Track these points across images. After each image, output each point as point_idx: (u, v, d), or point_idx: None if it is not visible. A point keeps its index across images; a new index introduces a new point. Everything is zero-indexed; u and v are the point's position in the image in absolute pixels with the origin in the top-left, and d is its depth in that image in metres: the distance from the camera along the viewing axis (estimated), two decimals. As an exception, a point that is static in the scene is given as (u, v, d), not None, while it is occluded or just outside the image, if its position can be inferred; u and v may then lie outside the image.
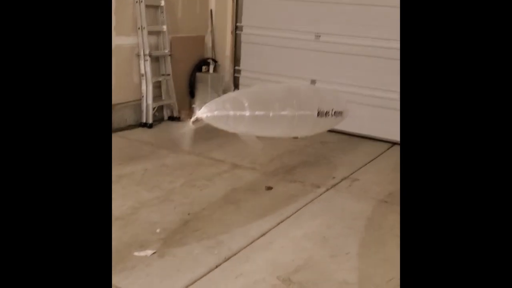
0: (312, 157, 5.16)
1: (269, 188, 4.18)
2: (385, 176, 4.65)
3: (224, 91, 6.77)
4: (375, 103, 5.81)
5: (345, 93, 5.94)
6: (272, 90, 3.82)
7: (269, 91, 3.75)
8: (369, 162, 5.06)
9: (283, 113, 3.50)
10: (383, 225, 3.61)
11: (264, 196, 4.03)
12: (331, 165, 4.90)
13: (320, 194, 4.12)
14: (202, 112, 3.06)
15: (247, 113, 3.21)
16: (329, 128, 4.54)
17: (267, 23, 6.37)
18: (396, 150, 5.55)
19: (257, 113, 3.30)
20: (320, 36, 6.07)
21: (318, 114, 3.86)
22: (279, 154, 5.13)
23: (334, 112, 4.09)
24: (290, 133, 4.06)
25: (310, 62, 6.15)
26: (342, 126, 5.99)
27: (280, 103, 3.51)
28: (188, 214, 3.59)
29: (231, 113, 3.15)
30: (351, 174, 4.66)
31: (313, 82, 6.18)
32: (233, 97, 3.38)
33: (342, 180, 4.49)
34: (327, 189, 4.23)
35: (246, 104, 3.20)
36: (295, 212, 3.74)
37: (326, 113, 3.96)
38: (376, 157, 5.24)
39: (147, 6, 5.54)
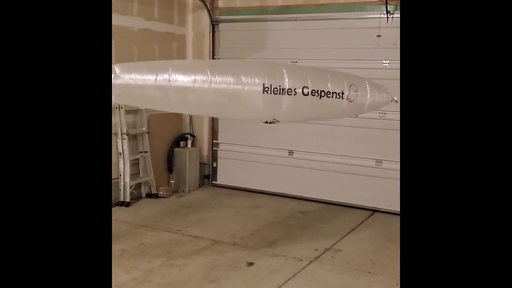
0: (294, 228, 5.10)
1: (251, 264, 4.08)
2: (367, 246, 4.59)
3: (202, 165, 6.80)
4: (354, 171, 5.88)
5: (322, 162, 6.04)
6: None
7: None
8: (350, 232, 5.02)
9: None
10: (368, 297, 3.52)
11: (246, 272, 3.92)
12: (313, 236, 4.84)
13: (303, 268, 4.03)
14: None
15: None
16: (337, 114, 3.87)
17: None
18: (377, 217, 5.54)
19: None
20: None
21: (266, 89, 3.30)
22: (259, 228, 5.06)
23: (313, 92, 3.45)
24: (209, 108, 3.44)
25: (286, 132, 6.25)
26: (321, 194, 6.09)
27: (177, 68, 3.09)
28: (167, 296, 3.45)
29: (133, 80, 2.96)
30: (334, 244, 4.60)
31: (290, 153, 6.27)
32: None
33: (324, 251, 4.42)
34: (310, 262, 4.15)
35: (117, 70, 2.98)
36: (278, 288, 3.63)
37: (290, 91, 3.38)
38: (357, 226, 5.22)
39: (124, 86, 5.65)
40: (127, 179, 5.63)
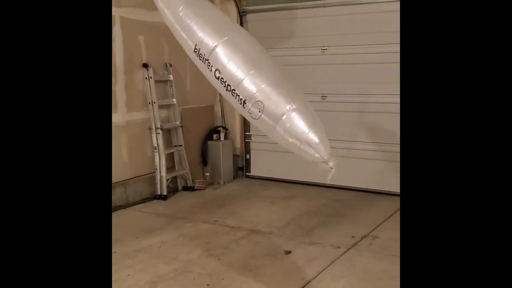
0: (329, 216, 5.08)
1: (288, 252, 4.09)
2: (405, 231, 4.53)
3: (236, 157, 6.85)
4: (388, 157, 5.79)
5: (355, 149, 5.98)
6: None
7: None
8: (387, 218, 4.97)
9: None
10: (409, 283, 3.48)
11: (284, 260, 3.94)
12: (349, 224, 4.81)
13: (341, 255, 4.02)
14: None
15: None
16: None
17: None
18: (414, 203, 5.45)
19: None
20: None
21: (195, 51, 3.20)
22: (295, 217, 5.07)
23: (222, 79, 3.02)
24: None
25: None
26: (355, 182, 6.04)
27: None
28: (207, 285, 3.51)
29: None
30: (371, 231, 4.56)
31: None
32: None
33: (362, 238, 4.39)
34: (348, 249, 4.13)
35: None
36: (317, 276, 3.63)
37: (209, 64, 3.07)
38: (395, 213, 5.15)
39: (156, 82, 5.74)
40: (163, 173, 5.73)
